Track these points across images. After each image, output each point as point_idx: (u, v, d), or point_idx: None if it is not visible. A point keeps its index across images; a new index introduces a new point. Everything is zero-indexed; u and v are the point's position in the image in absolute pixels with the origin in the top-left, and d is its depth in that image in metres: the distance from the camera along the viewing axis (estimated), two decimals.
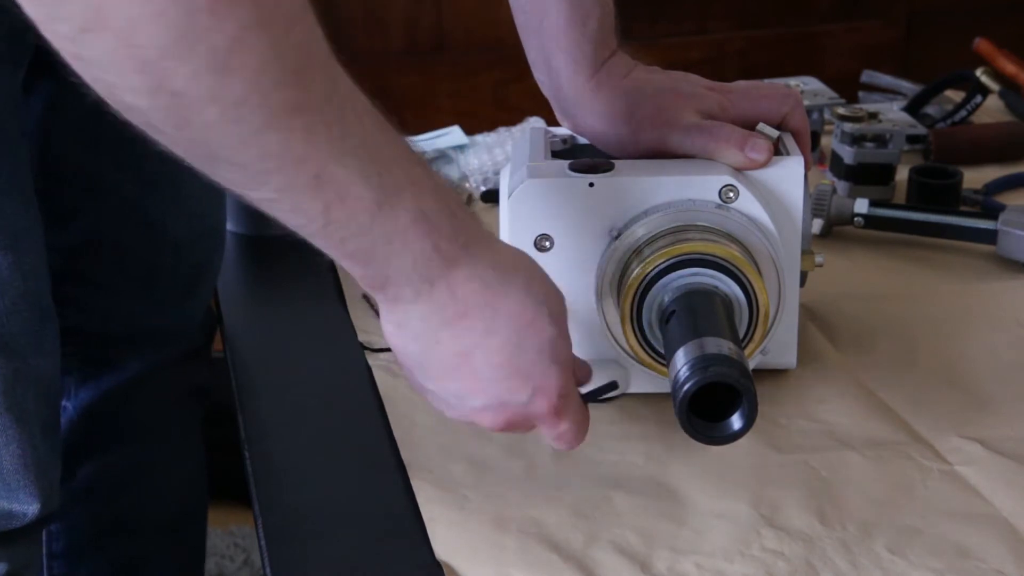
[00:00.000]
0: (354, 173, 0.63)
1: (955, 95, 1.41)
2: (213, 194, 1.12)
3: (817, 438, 0.84)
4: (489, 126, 1.32)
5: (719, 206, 0.83)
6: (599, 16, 0.90)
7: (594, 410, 0.78)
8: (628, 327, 0.82)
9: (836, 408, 0.87)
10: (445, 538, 0.75)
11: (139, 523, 1.25)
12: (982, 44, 1.47)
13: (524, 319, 0.70)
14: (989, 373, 0.91)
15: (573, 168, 0.84)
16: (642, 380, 0.85)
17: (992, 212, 1.09)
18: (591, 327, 0.84)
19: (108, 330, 1.17)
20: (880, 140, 1.20)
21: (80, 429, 1.19)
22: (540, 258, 0.83)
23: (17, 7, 0.57)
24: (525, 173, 0.84)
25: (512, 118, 1.33)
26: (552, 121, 0.95)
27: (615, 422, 0.85)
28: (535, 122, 1.27)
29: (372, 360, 0.95)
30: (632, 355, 0.84)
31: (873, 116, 1.22)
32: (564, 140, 0.94)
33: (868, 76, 1.52)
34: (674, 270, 0.80)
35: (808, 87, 1.30)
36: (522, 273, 0.71)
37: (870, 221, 1.11)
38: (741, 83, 0.92)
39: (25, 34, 0.89)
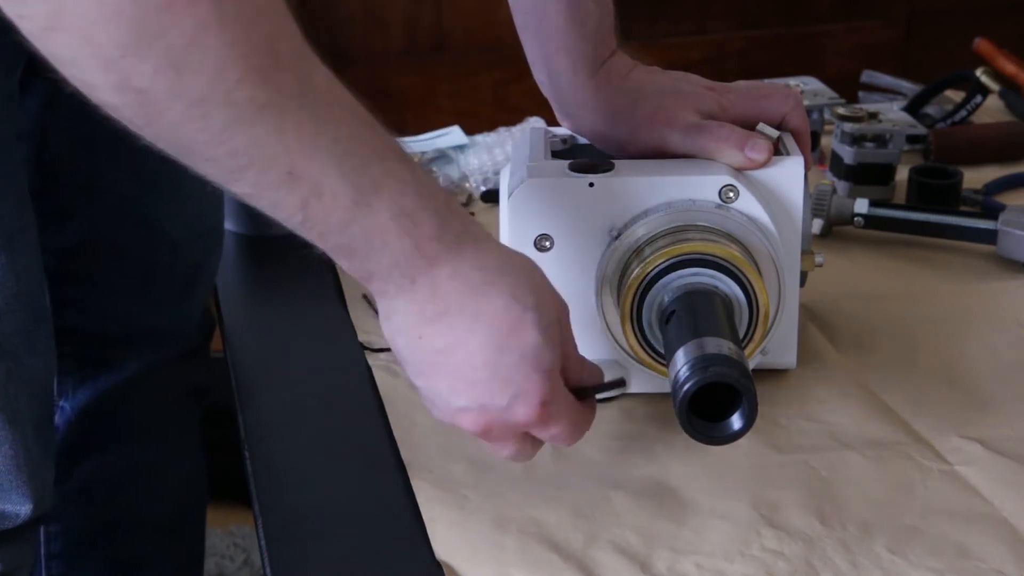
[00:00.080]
0: (329, 170, 0.63)
1: (955, 95, 1.41)
2: (211, 194, 1.12)
3: (817, 438, 0.84)
4: (489, 126, 1.32)
5: (719, 206, 0.83)
6: (599, 16, 0.90)
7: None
8: (628, 327, 0.82)
9: (836, 408, 0.87)
10: (445, 538, 0.75)
11: (137, 523, 1.25)
12: (982, 44, 1.47)
13: (507, 323, 0.69)
14: (989, 373, 0.91)
15: (573, 168, 0.84)
16: (642, 380, 0.85)
17: (992, 212, 1.09)
18: (591, 327, 0.84)
19: (105, 330, 1.17)
20: (880, 140, 1.20)
21: (78, 429, 1.19)
22: (540, 258, 0.83)
23: None
24: (525, 173, 0.84)
25: (512, 118, 1.33)
26: (552, 121, 0.95)
27: (615, 422, 0.85)
28: (535, 122, 1.27)
29: (372, 360, 0.95)
30: (632, 355, 0.84)
31: (873, 116, 1.22)
32: (564, 140, 0.94)
33: (868, 76, 1.52)
34: (674, 270, 0.80)
35: (808, 87, 1.30)
36: (511, 277, 0.70)
37: (870, 221, 1.11)
38: (741, 83, 0.92)
39: (17, 35, 0.89)
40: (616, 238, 0.83)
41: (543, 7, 0.90)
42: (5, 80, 0.92)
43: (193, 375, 1.25)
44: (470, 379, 0.70)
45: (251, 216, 1.17)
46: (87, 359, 1.18)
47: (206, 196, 1.13)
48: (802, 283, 0.89)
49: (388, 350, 0.81)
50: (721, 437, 0.74)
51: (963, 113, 1.35)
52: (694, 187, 0.83)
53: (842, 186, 1.20)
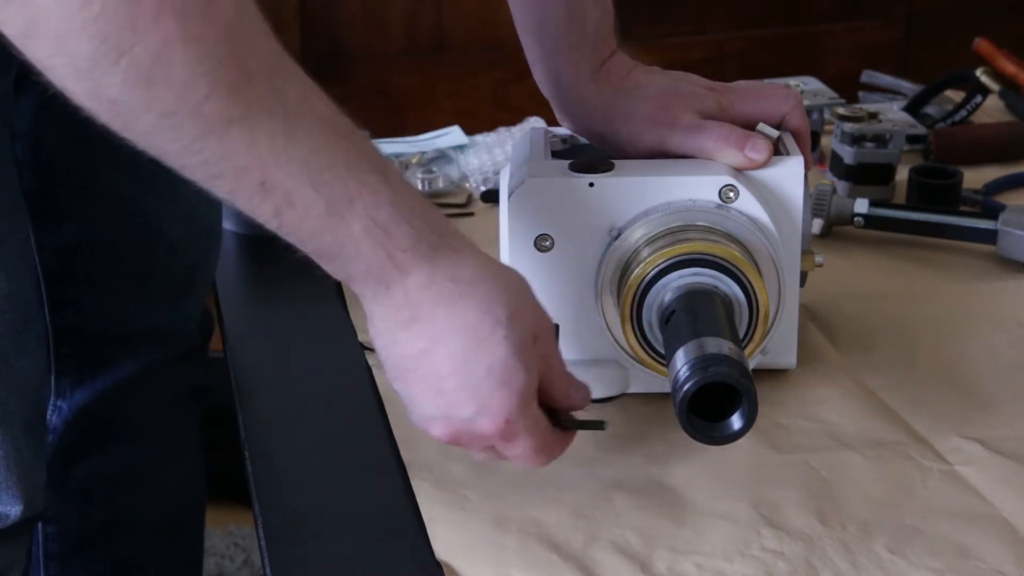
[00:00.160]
0: (301, 182, 0.65)
1: (955, 95, 1.40)
2: (208, 194, 1.12)
3: (817, 438, 0.84)
4: (489, 126, 1.32)
5: (719, 206, 0.83)
6: (598, 16, 0.90)
7: (594, 411, 0.78)
8: (628, 327, 0.82)
9: (836, 408, 0.87)
10: (445, 538, 0.75)
11: (136, 524, 1.25)
12: (982, 44, 1.47)
13: (476, 335, 0.69)
14: (989, 373, 0.91)
15: (573, 168, 0.84)
16: (642, 380, 0.85)
17: (992, 212, 1.09)
18: (591, 327, 0.84)
19: (103, 330, 1.17)
20: (880, 140, 1.20)
21: (76, 430, 1.18)
22: (540, 258, 0.83)
23: None
24: (525, 173, 0.84)
25: (512, 118, 1.33)
26: (552, 121, 0.95)
27: (615, 422, 0.85)
28: (535, 122, 1.27)
29: (372, 360, 0.95)
30: (632, 355, 0.84)
31: (873, 116, 1.22)
32: (564, 140, 0.94)
33: (868, 76, 1.52)
34: (674, 270, 0.80)
35: (808, 87, 1.30)
36: (485, 289, 0.70)
37: (870, 221, 1.11)
38: (741, 83, 0.92)
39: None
40: (616, 238, 0.83)
41: (543, 7, 0.90)
42: None
43: (192, 375, 1.25)
44: (438, 388, 0.70)
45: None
46: (85, 359, 1.17)
47: (203, 196, 1.12)
48: (802, 283, 0.89)
49: None
50: (721, 437, 0.74)
51: (963, 113, 1.35)
52: (694, 187, 0.83)
53: (842, 186, 1.20)
